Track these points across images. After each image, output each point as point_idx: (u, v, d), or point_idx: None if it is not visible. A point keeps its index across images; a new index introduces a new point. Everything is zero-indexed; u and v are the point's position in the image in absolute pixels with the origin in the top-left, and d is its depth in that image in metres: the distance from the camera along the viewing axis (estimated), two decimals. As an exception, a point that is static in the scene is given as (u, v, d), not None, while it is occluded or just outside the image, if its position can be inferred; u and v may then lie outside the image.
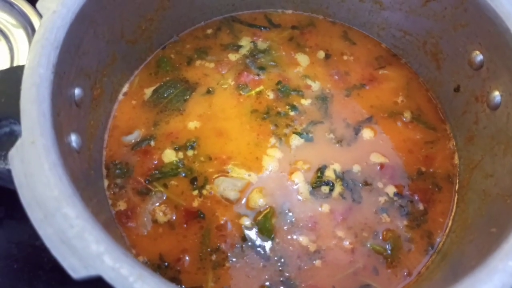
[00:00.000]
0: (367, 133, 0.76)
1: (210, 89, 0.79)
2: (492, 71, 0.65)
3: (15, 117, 0.52)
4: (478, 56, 0.67)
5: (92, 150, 0.67)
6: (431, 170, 0.73)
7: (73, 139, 0.58)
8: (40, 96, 0.51)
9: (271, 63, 0.83)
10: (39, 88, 0.52)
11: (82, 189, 0.52)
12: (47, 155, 0.48)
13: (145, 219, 0.67)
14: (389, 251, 0.66)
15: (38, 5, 0.58)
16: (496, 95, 0.64)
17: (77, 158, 0.58)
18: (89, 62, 0.64)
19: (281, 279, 0.63)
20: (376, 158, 0.73)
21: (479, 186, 0.65)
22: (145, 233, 0.66)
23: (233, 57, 0.83)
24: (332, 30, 0.88)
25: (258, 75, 0.81)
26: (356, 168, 0.72)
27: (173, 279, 0.63)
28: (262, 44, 0.85)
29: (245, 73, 0.80)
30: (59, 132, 0.52)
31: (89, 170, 0.64)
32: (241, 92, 0.79)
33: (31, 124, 0.50)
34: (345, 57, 0.84)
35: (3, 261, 0.73)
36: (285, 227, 0.67)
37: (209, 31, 0.87)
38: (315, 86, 0.80)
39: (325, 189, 0.70)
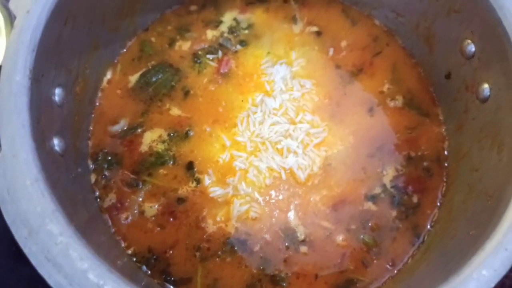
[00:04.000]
0: None
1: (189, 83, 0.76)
2: (483, 62, 0.63)
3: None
4: (470, 46, 0.64)
5: (78, 147, 0.66)
6: (419, 153, 0.72)
7: (56, 143, 0.58)
8: (18, 105, 0.51)
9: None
10: (16, 97, 0.51)
11: (66, 187, 0.52)
12: (28, 169, 0.48)
13: (135, 211, 0.68)
14: (375, 242, 0.66)
15: (11, 4, 0.56)
16: (486, 87, 0.62)
17: (62, 162, 0.58)
18: (69, 56, 0.63)
19: (268, 271, 0.64)
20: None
21: (465, 178, 0.65)
22: (134, 225, 0.67)
23: (210, 34, 0.80)
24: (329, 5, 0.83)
25: (236, 52, 0.78)
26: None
27: (163, 272, 0.64)
28: (244, 22, 0.81)
29: (225, 58, 0.77)
30: (41, 140, 0.52)
31: (75, 168, 0.64)
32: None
33: (11, 137, 0.49)
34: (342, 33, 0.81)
35: (3, 243, 0.74)
36: (273, 219, 0.67)
37: (193, 7, 0.83)
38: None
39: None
